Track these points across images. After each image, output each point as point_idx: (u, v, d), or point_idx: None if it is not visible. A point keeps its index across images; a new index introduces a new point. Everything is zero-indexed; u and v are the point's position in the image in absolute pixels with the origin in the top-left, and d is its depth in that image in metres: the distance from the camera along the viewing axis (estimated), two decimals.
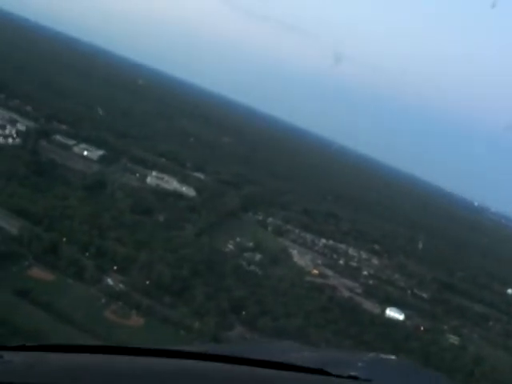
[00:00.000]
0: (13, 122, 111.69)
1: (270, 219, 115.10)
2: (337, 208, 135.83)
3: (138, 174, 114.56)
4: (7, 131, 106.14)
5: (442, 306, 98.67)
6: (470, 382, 71.96)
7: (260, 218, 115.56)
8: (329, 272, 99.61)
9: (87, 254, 74.46)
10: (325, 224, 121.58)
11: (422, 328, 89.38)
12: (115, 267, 73.91)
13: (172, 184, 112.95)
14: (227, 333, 67.69)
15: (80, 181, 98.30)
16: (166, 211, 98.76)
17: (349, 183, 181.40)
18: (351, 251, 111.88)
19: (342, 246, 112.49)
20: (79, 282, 67.89)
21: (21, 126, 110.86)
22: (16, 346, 3.53)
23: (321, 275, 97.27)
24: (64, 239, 74.62)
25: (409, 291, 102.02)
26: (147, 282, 72.64)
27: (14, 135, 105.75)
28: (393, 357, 4.82)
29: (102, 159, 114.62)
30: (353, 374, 3.41)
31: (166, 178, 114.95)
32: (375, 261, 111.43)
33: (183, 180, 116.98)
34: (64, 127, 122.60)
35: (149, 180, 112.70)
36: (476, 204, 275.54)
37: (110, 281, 71.41)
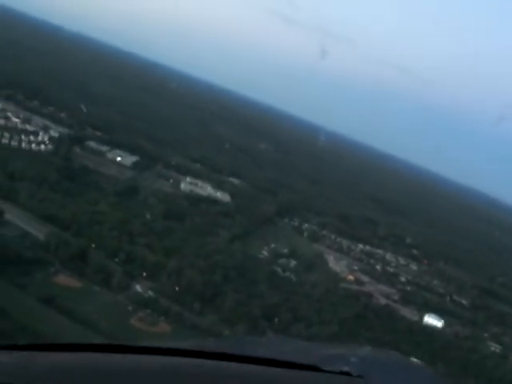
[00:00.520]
0: (46, 129, 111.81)
1: (305, 225, 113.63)
2: (374, 213, 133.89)
3: (171, 180, 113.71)
4: (40, 138, 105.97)
5: (483, 312, 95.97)
6: None
7: (295, 223, 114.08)
8: (365, 278, 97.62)
9: (116, 260, 73.26)
10: (361, 229, 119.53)
11: (461, 335, 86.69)
12: (144, 274, 72.67)
13: (206, 189, 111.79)
14: None
15: (112, 187, 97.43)
16: (199, 217, 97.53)
17: (386, 187, 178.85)
18: (388, 256, 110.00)
19: (379, 252, 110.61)
20: (106, 289, 66.64)
21: (54, 133, 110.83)
22: (7, 345, 3.32)
23: (357, 281, 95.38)
24: (92, 245, 73.50)
25: (448, 297, 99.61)
26: (177, 289, 71.24)
27: (47, 141, 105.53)
28: (387, 351, 4.66)
29: (135, 165, 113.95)
30: (345, 369, 3.35)
31: (201, 183, 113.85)
32: (413, 266, 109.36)
33: (218, 186, 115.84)
34: (98, 133, 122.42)
35: (183, 186, 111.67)
36: None
37: (138, 287, 70.10)
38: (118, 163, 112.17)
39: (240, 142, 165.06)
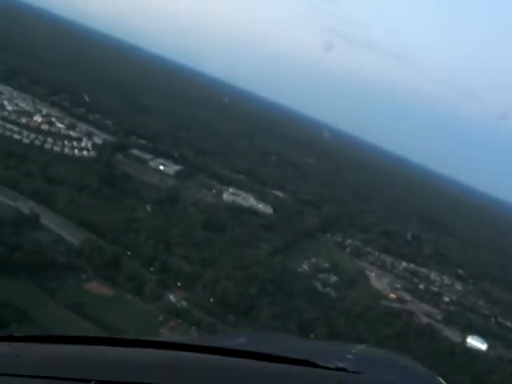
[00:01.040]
0: (90, 135, 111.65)
1: (348, 240, 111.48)
2: (420, 230, 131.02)
3: (214, 190, 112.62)
4: (83, 144, 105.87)
5: None
6: None
7: (338, 239, 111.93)
8: (407, 296, 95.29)
9: (150, 269, 72.37)
10: (406, 246, 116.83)
11: (506, 359, 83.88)
12: (179, 283, 71.63)
13: (249, 201, 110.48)
14: None
15: (152, 195, 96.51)
16: (239, 228, 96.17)
17: (434, 205, 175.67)
18: (433, 275, 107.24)
19: (424, 270, 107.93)
20: (138, 298, 65.68)
21: (97, 140, 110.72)
22: (2, 336, 3.39)
23: (399, 299, 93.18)
24: (128, 253, 72.79)
25: (493, 319, 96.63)
26: (211, 300, 70.03)
27: (90, 148, 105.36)
28: (382, 349, 4.79)
29: (178, 174, 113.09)
30: (341, 365, 3.33)
31: (243, 194, 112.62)
32: (458, 286, 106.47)
33: (261, 197, 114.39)
34: (142, 142, 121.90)
35: (225, 196, 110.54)
36: None
37: (171, 297, 69.01)
38: (161, 171, 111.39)
39: (287, 155, 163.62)
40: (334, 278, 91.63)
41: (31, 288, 57.30)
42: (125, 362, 3.03)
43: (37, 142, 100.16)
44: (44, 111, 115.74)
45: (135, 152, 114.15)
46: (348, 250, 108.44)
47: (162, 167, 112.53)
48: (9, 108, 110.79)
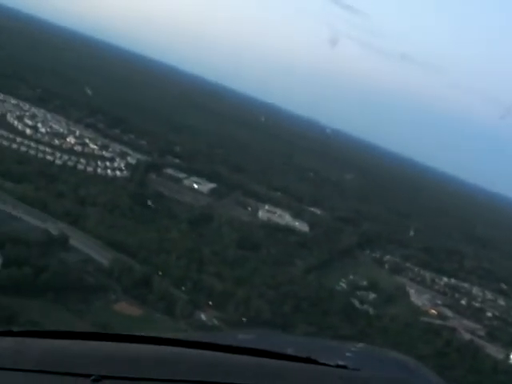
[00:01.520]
0: (123, 155, 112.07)
1: (387, 257, 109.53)
2: (461, 245, 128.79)
3: (249, 208, 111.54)
4: (116, 164, 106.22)
5: None
6: None
7: (377, 255, 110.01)
8: (448, 312, 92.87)
9: (182, 288, 71.19)
10: (447, 262, 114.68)
11: None
12: (210, 302, 70.23)
13: (284, 218, 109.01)
14: None
15: (186, 214, 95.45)
16: (274, 246, 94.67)
17: (474, 219, 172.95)
18: (475, 291, 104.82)
19: (465, 285, 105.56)
20: (168, 317, 64.35)
21: (131, 159, 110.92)
22: (2, 331, 3.31)
23: (439, 316, 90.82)
24: (159, 273, 71.62)
25: None
26: (243, 319, 68.35)
27: (123, 168, 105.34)
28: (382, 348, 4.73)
29: (212, 192, 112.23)
30: (341, 363, 3.35)
31: (279, 212, 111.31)
32: (501, 301, 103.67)
33: (297, 215, 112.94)
34: (177, 161, 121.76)
35: (260, 214, 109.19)
36: None
37: (202, 316, 67.68)
38: (195, 190, 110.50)
39: (324, 172, 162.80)
40: (372, 295, 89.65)
41: (58, 310, 56.44)
42: (122, 356, 2.96)
43: (69, 163, 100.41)
44: (77, 133, 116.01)
45: (169, 171, 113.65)
46: (387, 266, 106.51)
47: (196, 185, 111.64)
48: (42, 130, 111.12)
